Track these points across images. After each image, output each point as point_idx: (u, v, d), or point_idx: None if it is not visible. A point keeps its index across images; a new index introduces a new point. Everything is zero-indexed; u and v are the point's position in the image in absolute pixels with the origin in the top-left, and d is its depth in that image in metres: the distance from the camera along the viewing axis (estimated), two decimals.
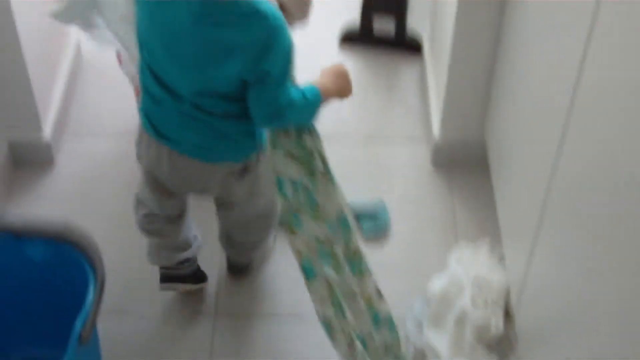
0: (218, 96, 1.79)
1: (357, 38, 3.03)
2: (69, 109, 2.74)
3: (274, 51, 1.70)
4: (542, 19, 1.95)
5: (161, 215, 2.08)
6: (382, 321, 2.06)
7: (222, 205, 2.11)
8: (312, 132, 1.94)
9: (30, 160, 2.59)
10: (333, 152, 2.53)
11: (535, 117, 2.00)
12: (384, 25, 2.97)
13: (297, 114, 1.84)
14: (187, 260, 2.20)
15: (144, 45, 1.80)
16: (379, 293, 2.05)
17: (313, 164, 1.93)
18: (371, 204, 2.48)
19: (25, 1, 2.33)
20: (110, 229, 2.41)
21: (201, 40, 1.70)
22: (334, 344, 2.00)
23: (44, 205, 2.51)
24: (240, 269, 2.34)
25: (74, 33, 2.80)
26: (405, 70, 2.95)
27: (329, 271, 1.96)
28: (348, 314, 1.99)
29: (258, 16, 1.67)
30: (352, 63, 2.98)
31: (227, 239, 2.24)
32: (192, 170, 1.92)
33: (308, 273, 1.97)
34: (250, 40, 1.68)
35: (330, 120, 2.74)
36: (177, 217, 2.11)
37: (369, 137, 2.73)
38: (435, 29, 2.73)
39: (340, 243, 1.98)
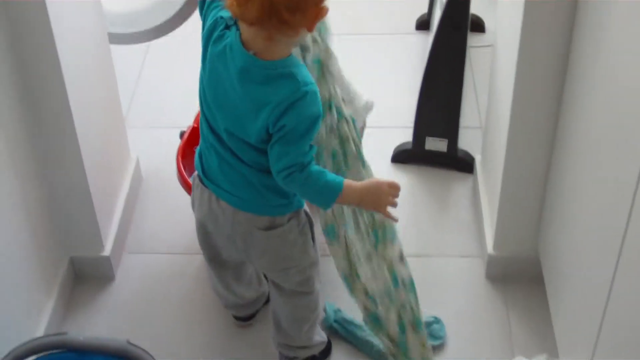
0: (250, 146, 1.91)
1: (410, 156, 3.09)
2: (128, 225, 2.80)
3: (296, 111, 1.82)
4: (597, 132, 1.98)
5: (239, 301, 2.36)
6: (401, 282, 2.31)
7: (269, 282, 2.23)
8: (349, 122, 2.18)
9: (91, 275, 2.65)
10: None
11: (590, 233, 2.01)
12: (436, 145, 3.03)
13: (308, 184, 1.92)
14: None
15: (203, 99, 1.95)
16: (401, 257, 2.32)
17: (347, 145, 2.18)
18: (426, 320, 2.48)
19: (88, 122, 2.42)
20: (167, 346, 2.45)
21: (242, 94, 1.85)
22: (353, 296, 2.32)
23: (104, 320, 2.55)
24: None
25: (134, 151, 2.90)
26: (457, 187, 2.99)
27: (349, 231, 2.25)
28: (363, 272, 2.29)
29: (290, 78, 1.82)
30: (405, 180, 3.02)
31: (274, 324, 2.32)
32: (223, 214, 2.04)
33: (330, 236, 2.26)
34: (279, 99, 1.81)
35: None
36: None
37: (423, 253, 2.75)
38: (487, 148, 2.77)
39: (364, 213, 2.26)
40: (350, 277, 2.32)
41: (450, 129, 3.00)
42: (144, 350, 1.97)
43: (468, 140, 3.10)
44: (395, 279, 2.32)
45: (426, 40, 3.59)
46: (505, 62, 2.39)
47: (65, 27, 2.25)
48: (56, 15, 2.18)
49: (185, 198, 2.41)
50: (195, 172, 2.09)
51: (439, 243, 2.78)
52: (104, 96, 2.61)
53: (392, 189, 2.02)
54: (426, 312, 2.50)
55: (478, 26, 3.74)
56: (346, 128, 2.22)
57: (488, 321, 2.52)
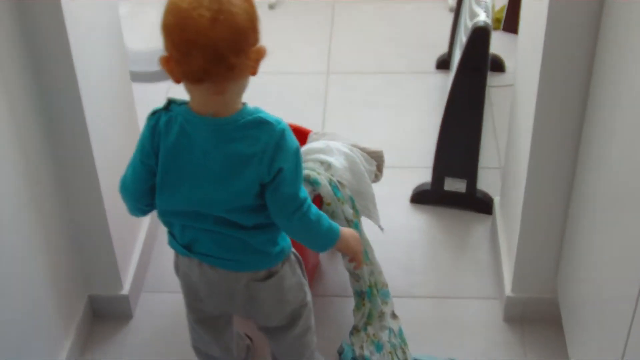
0: (246, 209, 1.89)
1: (429, 196, 3.09)
2: (147, 265, 2.82)
3: (284, 150, 1.82)
4: (616, 173, 1.98)
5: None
6: (392, 332, 2.53)
7: (264, 329, 2.20)
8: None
9: (109, 313, 2.66)
10: (403, 309, 2.59)
11: (609, 275, 2.00)
12: (455, 185, 3.03)
13: (318, 224, 1.94)
14: None
15: (178, 196, 1.90)
16: (394, 314, 2.57)
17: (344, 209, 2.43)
18: None
19: (109, 161, 2.44)
20: None
21: (222, 159, 1.83)
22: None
23: (121, 358, 2.56)
24: None
25: None
26: (476, 228, 2.99)
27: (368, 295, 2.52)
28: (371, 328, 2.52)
29: (263, 123, 1.82)
30: (423, 220, 3.03)
31: None
32: (218, 277, 2.01)
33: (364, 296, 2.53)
34: (262, 147, 1.81)
35: (401, 277, 2.78)
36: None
37: (441, 294, 2.75)
38: (506, 189, 2.77)
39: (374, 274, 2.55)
40: (356, 330, 2.53)
41: (469, 170, 3.00)
42: None
43: (487, 181, 3.11)
44: (390, 331, 2.52)
45: (446, 79, 3.61)
46: (524, 103, 2.39)
47: (88, 65, 2.27)
48: (79, 53, 2.21)
49: None
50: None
51: (457, 284, 2.78)
52: (125, 135, 2.63)
53: (360, 240, 2.13)
54: (443, 354, 2.50)
55: (498, 66, 3.76)
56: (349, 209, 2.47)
57: None
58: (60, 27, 2.12)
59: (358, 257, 2.11)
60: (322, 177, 2.47)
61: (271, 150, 1.81)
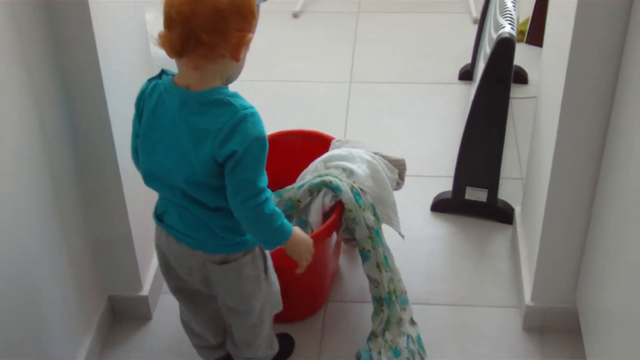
0: (206, 187, 1.94)
1: (449, 205, 3.10)
2: None
3: (241, 134, 1.85)
4: (638, 185, 1.98)
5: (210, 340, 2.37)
6: (411, 338, 2.54)
7: (224, 306, 2.26)
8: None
9: (129, 314, 2.68)
10: (423, 317, 2.60)
11: (630, 285, 2.00)
12: (476, 195, 3.03)
13: (266, 219, 1.96)
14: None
15: (153, 162, 2.00)
16: (412, 320, 2.58)
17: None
18: None
19: (131, 167, 2.46)
20: None
21: (185, 130, 1.90)
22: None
23: (140, 359, 2.57)
24: None
25: None
26: (496, 237, 2.99)
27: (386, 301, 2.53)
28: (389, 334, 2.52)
29: (227, 105, 1.86)
30: (444, 229, 3.03)
31: (230, 339, 2.37)
32: (180, 252, 2.09)
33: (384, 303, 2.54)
34: (219, 125, 1.85)
35: (421, 284, 2.78)
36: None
37: (460, 302, 2.74)
38: (527, 199, 2.77)
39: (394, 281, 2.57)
40: (374, 336, 2.54)
41: (491, 180, 3.00)
42: None
43: (508, 191, 3.11)
44: (408, 337, 2.53)
45: (469, 90, 3.62)
46: (548, 114, 2.40)
47: (114, 71, 2.30)
48: (106, 58, 2.23)
49: None
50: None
51: (477, 293, 2.78)
52: None
53: (312, 249, 2.13)
54: None
55: (521, 77, 3.76)
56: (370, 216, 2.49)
57: None
58: (88, 31, 2.15)
59: (301, 263, 2.12)
60: (344, 184, 2.47)
61: (227, 130, 1.85)
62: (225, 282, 2.12)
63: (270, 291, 2.21)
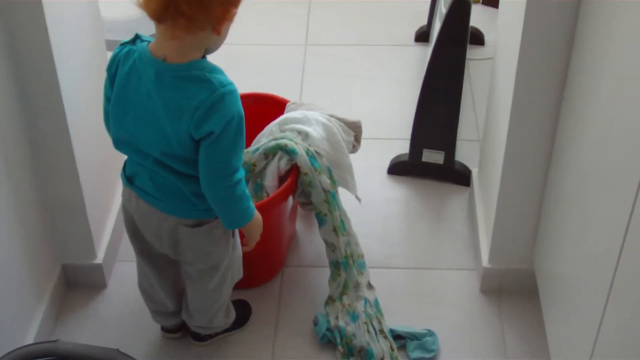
0: (181, 159, 1.93)
1: (406, 168, 3.08)
2: (121, 234, 2.78)
3: (219, 114, 1.83)
4: (594, 145, 1.98)
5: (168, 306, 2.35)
6: (368, 303, 2.51)
7: (185, 274, 2.26)
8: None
9: (83, 282, 2.64)
10: (380, 281, 2.59)
11: (587, 246, 2.00)
12: (433, 157, 3.02)
13: (228, 196, 1.96)
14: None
15: (124, 128, 1.96)
16: (369, 284, 2.56)
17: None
18: (420, 333, 2.47)
19: (83, 131, 2.42)
20: (157, 355, 2.45)
21: (161, 103, 1.86)
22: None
23: (95, 328, 2.53)
24: (201, 337, 2.45)
25: None
26: (454, 200, 2.98)
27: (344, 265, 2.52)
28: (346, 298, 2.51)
29: (205, 82, 1.83)
30: (401, 192, 3.02)
31: (185, 307, 2.37)
32: (150, 215, 2.07)
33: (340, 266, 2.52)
34: (196, 103, 1.83)
35: (378, 248, 2.77)
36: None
37: (418, 265, 2.74)
38: (484, 161, 2.76)
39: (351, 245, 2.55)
40: (331, 301, 2.53)
41: (448, 142, 2.99)
42: (134, 359, 1.95)
43: (465, 153, 3.10)
44: (366, 301, 2.51)
45: (425, 51, 3.59)
46: (504, 76, 2.38)
47: (62, 34, 2.24)
48: (53, 22, 2.17)
49: None
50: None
51: (434, 256, 2.77)
52: (99, 103, 2.58)
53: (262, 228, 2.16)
54: (419, 325, 2.50)
55: (478, 39, 3.74)
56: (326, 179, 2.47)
57: (482, 334, 2.51)
58: None
59: (251, 243, 2.13)
60: (300, 147, 2.45)
61: (204, 109, 1.83)
62: (195, 244, 2.10)
63: (235, 255, 2.21)
